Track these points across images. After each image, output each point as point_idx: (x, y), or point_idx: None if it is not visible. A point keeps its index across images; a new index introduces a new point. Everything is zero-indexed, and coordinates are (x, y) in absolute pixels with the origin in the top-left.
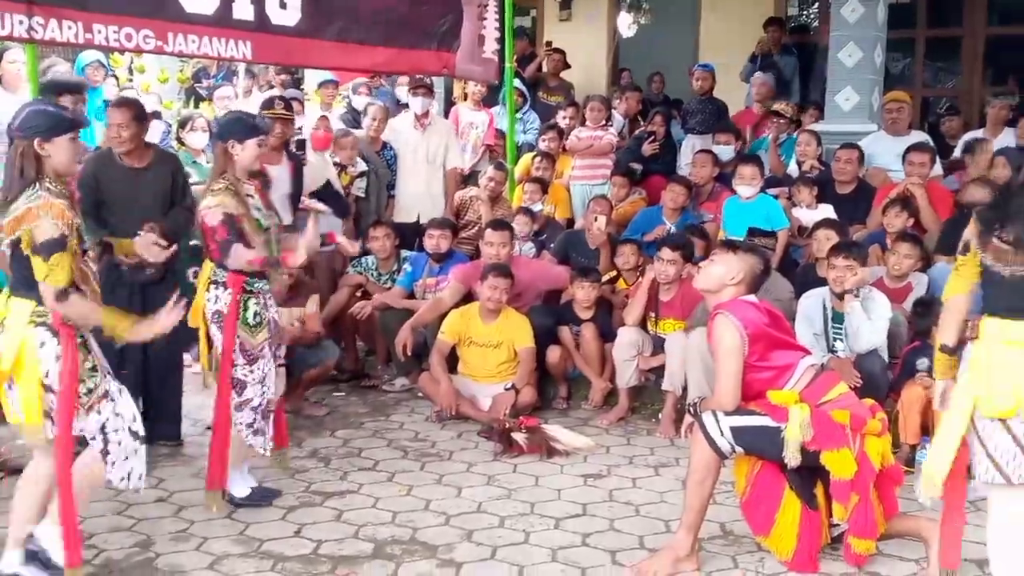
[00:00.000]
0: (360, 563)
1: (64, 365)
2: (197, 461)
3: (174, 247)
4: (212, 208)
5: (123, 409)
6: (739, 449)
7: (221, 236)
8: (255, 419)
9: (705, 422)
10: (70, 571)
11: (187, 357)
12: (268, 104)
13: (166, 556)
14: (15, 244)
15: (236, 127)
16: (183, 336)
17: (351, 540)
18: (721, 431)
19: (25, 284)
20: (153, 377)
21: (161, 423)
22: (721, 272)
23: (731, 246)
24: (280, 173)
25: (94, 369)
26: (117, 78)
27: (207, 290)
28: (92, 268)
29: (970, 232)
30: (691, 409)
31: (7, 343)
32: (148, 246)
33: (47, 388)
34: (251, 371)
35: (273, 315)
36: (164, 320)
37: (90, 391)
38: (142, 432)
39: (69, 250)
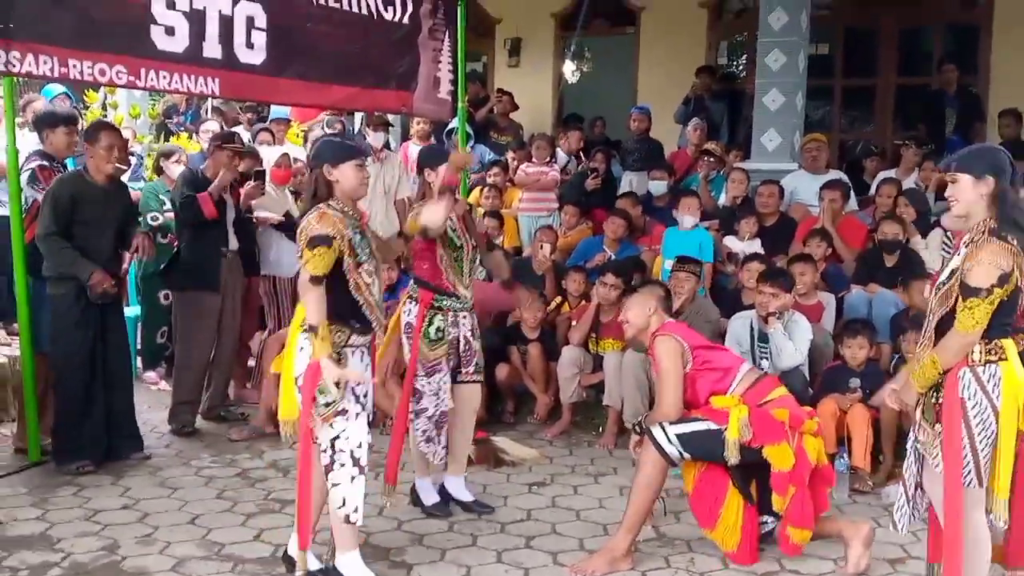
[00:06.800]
0: None
1: (307, 370)
2: (161, 471)
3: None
4: None
5: (353, 433)
6: (687, 455)
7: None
8: (428, 428)
9: (654, 433)
10: (300, 553)
11: (152, 375)
12: (228, 138)
13: (132, 559)
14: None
15: (426, 156)
16: (147, 358)
17: None
18: (669, 439)
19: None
20: (110, 397)
21: (127, 439)
22: (639, 313)
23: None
24: (228, 200)
25: (336, 385)
26: (85, 106)
27: (404, 304)
28: (368, 280)
29: (1008, 262)
30: (636, 428)
31: (288, 343)
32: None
33: (299, 389)
34: (428, 383)
35: (465, 333)
36: (353, 374)
37: (328, 404)
38: (364, 461)
39: (334, 250)
